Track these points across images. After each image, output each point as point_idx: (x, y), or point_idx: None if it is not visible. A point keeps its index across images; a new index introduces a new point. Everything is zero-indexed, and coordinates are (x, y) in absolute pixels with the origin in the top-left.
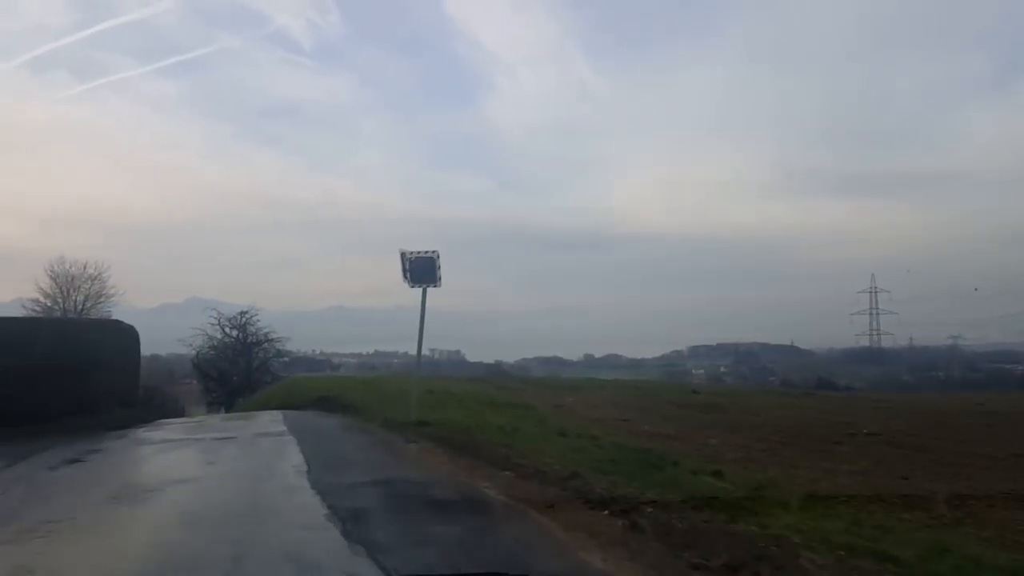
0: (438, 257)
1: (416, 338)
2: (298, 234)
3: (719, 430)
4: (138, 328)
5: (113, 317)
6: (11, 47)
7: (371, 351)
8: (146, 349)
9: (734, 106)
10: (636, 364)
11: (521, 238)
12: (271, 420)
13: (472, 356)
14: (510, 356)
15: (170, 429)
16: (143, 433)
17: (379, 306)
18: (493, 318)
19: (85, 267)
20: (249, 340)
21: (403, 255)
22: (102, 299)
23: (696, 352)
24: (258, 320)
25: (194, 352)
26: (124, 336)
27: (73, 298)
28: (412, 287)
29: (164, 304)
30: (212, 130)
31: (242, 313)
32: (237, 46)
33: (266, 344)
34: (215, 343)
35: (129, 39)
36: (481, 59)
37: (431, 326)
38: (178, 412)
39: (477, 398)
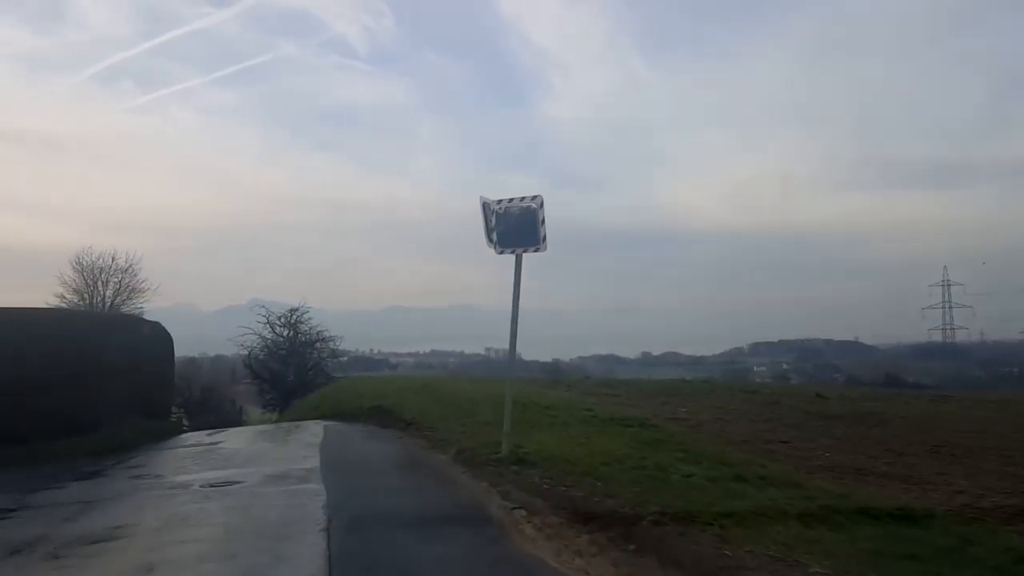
0: (541, 206)
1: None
2: (357, 236)
3: (923, 456)
4: (203, 330)
5: (165, 316)
6: (81, 60)
7: (427, 350)
8: (211, 350)
9: (796, 97)
10: (696, 362)
11: (576, 236)
12: (306, 444)
13: (527, 355)
14: (565, 355)
15: (166, 457)
16: (115, 470)
17: (435, 306)
18: (548, 317)
19: (114, 258)
20: (300, 339)
21: (486, 206)
22: (135, 294)
23: (757, 349)
24: (310, 319)
25: (246, 352)
26: (143, 334)
27: (101, 293)
28: (500, 253)
29: (228, 306)
30: (271, 136)
31: (292, 311)
32: (294, 53)
33: (318, 344)
34: (267, 343)
35: (191, 49)
36: (534, 58)
37: (483, 325)
38: (235, 414)
39: (572, 410)
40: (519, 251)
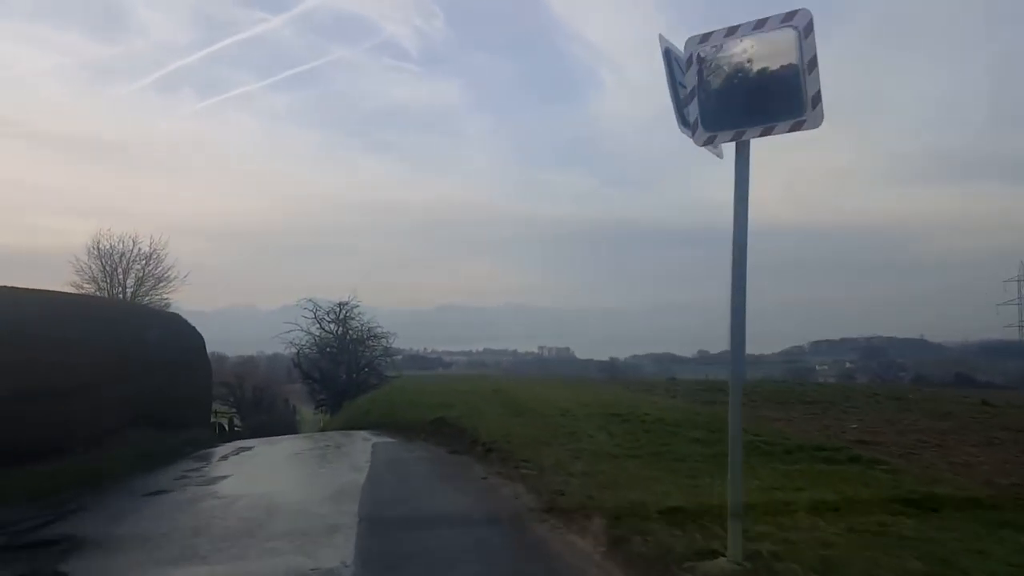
0: (809, 29)
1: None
2: (409, 236)
3: None
4: (261, 328)
5: (223, 317)
6: (143, 68)
7: (480, 349)
8: (268, 349)
9: (857, 89)
10: (754, 360)
11: (629, 234)
12: (342, 488)
13: (581, 353)
14: (620, 353)
15: (118, 508)
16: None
17: (487, 305)
18: (601, 315)
19: (135, 242)
20: (351, 336)
21: (668, 53)
22: (160, 284)
23: (818, 347)
24: (360, 313)
25: (294, 351)
26: (163, 327)
27: (121, 282)
28: (707, 143)
29: (284, 306)
30: (325, 138)
31: (340, 305)
32: (347, 57)
33: (370, 340)
34: (316, 340)
35: (248, 55)
36: (586, 56)
37: (535, 324)
38: (288, 414)
39: (717, 433)
40: (752, 133)
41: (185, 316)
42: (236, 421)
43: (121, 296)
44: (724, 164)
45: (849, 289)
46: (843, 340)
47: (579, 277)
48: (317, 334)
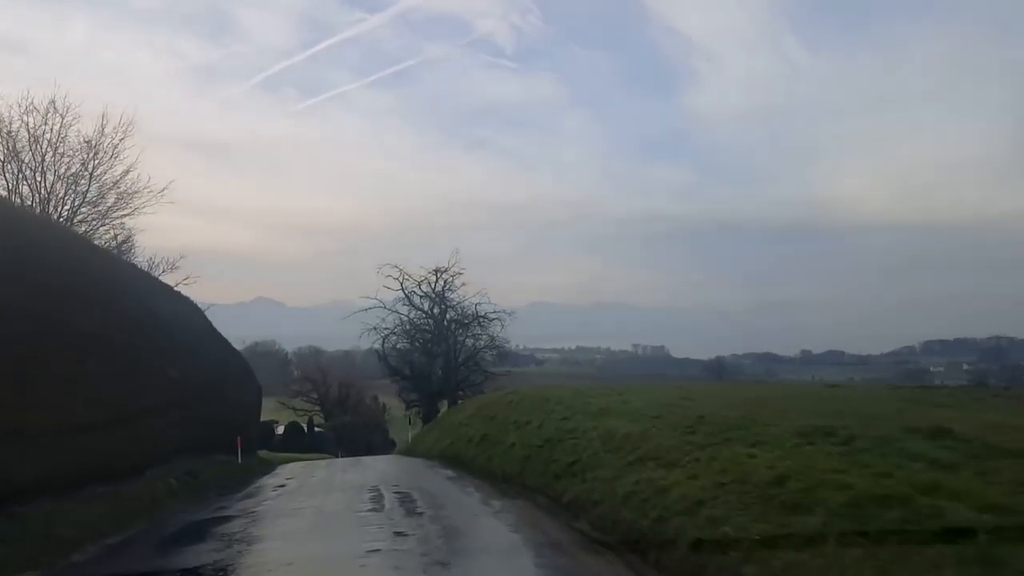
0: None
1: None
2: (503, 232)
3: None
4: (353, 326)
5: (319, 313)
6: (248, 69)
7: (573, 347)
8: (364, 343)
9: (969, 81)
10: (861, 361)
11: (726, 230)
12: None
13: (679, 352)
14: (717, 352)
15: None
16: None
17: (579, 303)
18: (697, 313)
19: (65, 112)
20: (450, 317)
21: None
22: (126, 200)
23: (930, 348)
24: (462, 283)
25: (379, 339)
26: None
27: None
28: None
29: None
30: (422, 136)
31: (437, 272)
32: (443, 54)
33: (475, 325)
34: (406, 324)
35: (347, 55)
36: (683, 48)
37: (628, 322)
38: (378, 413)
39: None
40: None
41: (287, 312)
42: (319, 419)
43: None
44: (829, 157)
45: (965, 288)
46: (957, 341)
47: (675, 275)
48: (406, 315)
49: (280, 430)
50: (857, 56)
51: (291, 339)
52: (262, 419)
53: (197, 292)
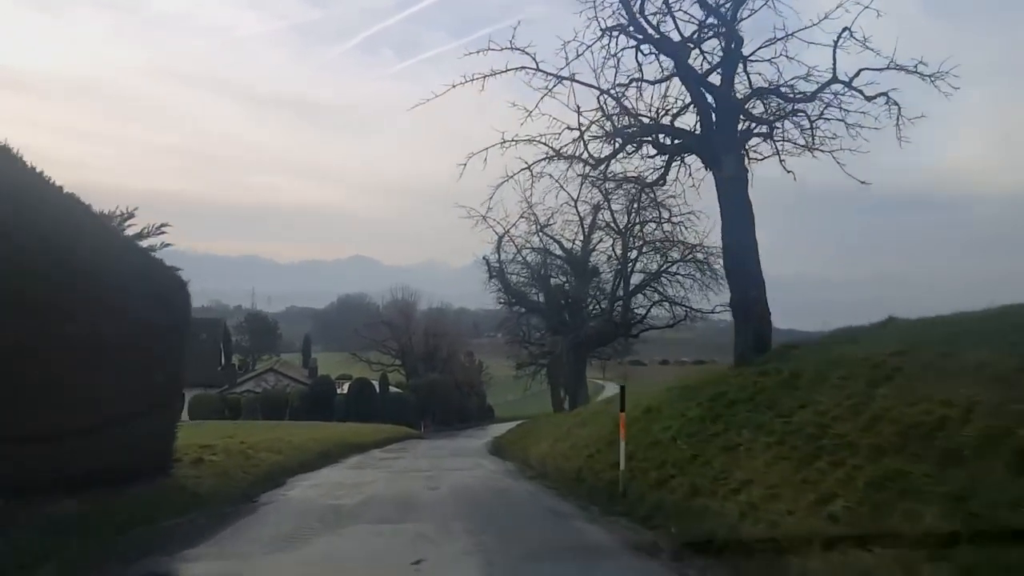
0: None
1: None
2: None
3: None
4: (450, 288)
5: (416, 273)
6: (346, 30)
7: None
8: (457, 302)
9: None
10: None
11: (835, 200)
12: None
13: (782, 323)
14: (819, 326)
15: None
16: None
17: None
18: (802, 286)
19: None
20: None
21: None
22: None
23: None
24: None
25: (491, 251)
26: None
27: None
28: None
29: (475, 262)
30: (518, 98)
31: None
32: (543, 13)
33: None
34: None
35: (443, 15)
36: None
37: None
38: (474, 372)
39: None
40: None
41: (383, 270)
42: (399, 376)
43: None
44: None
45: None
46: None
47: (779, 244)
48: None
49: (344, 389)
50: (976, 17)
51: (386, 297)
52: (320, 373)
53: (296, 251)
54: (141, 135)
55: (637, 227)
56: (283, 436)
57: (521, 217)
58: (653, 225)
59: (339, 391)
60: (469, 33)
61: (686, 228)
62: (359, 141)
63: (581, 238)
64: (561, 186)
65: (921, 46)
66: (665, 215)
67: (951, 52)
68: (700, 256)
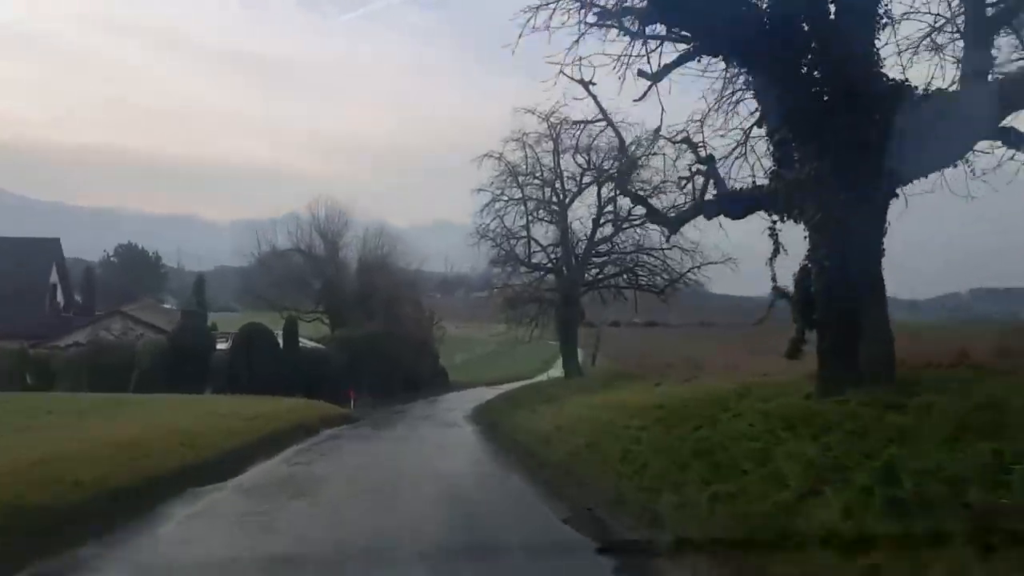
0: None
1: None
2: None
3: None
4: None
5: None
6: None
7: None
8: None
9: None
10: (907, 306)
11: None
12: None
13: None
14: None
15: None
16: None
17: None
18: None
19: None
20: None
21: None
22: None
23: (978, 295)
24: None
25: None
26: None
27: None
28: None
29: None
30: (462, 59)
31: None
32: None
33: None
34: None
35: None
36: None
37: None
38: (423, 321)
39: None
40: None
41: None
42: (323, 328)
43: None
44: None
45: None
46: (1008, 290)
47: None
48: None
49: (224, 345)
50: None
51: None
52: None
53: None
54: (73, 88)
55: None
56: None
57: None
58: None
59: (220, 345)
60: None
61: None
62: (300, 100)
63: None
64: None
65: None
66: None
67: None
68: None
